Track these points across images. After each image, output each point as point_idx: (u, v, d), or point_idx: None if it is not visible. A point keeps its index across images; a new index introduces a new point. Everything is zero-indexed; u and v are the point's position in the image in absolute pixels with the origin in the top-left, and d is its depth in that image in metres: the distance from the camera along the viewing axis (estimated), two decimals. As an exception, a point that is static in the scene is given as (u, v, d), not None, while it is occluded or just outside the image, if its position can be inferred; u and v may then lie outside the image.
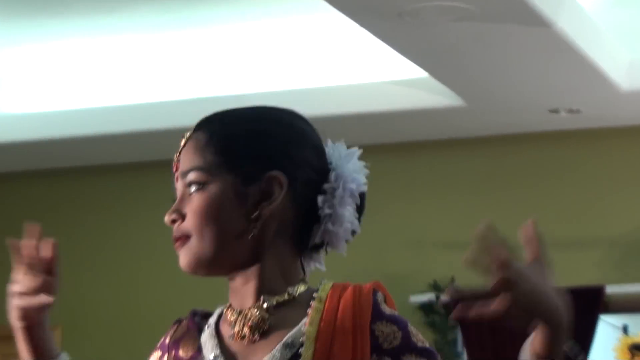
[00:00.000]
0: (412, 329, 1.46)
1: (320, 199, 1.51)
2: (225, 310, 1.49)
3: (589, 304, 6.28)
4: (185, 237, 1.45)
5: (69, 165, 7.06)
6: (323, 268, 1.57)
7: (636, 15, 5.78)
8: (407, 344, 1.43)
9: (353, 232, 1.56)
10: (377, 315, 1.44)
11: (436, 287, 6.05)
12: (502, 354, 5.68)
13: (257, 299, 1.44)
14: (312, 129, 1.62)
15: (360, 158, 1.58)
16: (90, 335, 7.03)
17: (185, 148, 1.50)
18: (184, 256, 1.46)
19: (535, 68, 5.65)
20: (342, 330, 1.42)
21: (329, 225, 1.53)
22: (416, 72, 5.69)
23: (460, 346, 5.98)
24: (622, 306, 6.61)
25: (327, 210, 1.52)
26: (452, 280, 5.75)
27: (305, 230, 1.53)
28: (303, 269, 1.55)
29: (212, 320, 1.50)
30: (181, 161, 1.49)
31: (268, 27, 6.07)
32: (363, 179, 1.57)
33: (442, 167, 6.57)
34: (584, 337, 6.15)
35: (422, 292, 6.10)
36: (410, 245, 6.58)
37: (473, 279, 1.59)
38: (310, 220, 1.53)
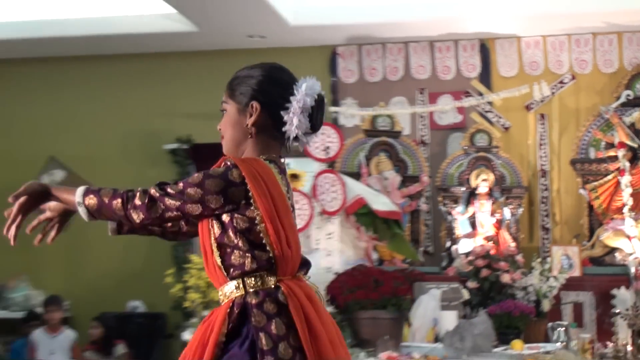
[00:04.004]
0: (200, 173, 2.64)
1: (283, 113, 2.72)
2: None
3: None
4: (221, 137, 2.79)
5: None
6: (301, 148, 2.89)
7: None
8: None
9: (308, 131, 2.77)
10: None
11: (180, 140, 9.71)
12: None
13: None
14: (285, 74, 2.80)
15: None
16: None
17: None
18: (224, 149, 2.79)
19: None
20: None
21: (287, 127, 2.73)
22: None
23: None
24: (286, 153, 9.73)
25: (285, 118, 2.73)
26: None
27: (280, 129, 2.73)
28: (287, 148, 2.81)
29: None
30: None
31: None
32: (312, 102, 2.73)
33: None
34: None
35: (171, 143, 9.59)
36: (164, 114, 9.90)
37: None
38: (281, 124, 2.73)
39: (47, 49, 9.83)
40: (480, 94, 9.31)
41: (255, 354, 2.54)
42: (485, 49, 9.49)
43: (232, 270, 2.63)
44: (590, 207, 8.89)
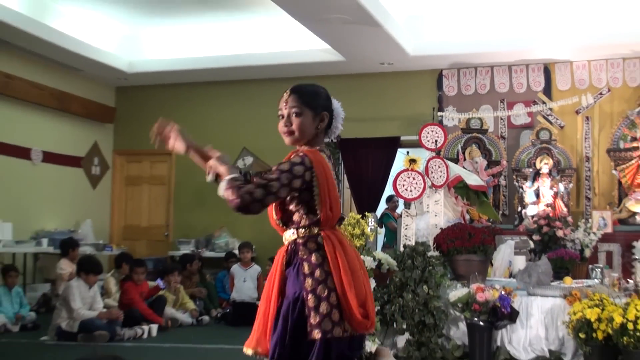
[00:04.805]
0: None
1: (334, 121, 3.19)
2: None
3: (392, 144, 11.16)
4: (290, 133, 3.06)
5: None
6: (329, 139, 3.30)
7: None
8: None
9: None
10: None
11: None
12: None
13: None
14: (329, 95, 3.16)
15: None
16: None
17: (289, 97, 3.07)
18: (288, 141, 3.10)
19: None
20: None
21: (335, 130, 3.22)
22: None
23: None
24: (407, 144, 10.85)
25: (333, 124, 3.21)
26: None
27: (328, 130, 3.18)
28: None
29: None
30: (288, 102, 3.07)
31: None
32: (343, 113, 3.22)
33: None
34: (389, 160, 11.14)
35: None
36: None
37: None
38: (330, 127, 3.19)
39: (238, 74, 12.58)
40: (544, 103, 10.80)
41: (299, 275, 2.96)
42: (547, 70, 11.22)
43: (291, 224, 3.05)
44: (620, 183, 10.11)
